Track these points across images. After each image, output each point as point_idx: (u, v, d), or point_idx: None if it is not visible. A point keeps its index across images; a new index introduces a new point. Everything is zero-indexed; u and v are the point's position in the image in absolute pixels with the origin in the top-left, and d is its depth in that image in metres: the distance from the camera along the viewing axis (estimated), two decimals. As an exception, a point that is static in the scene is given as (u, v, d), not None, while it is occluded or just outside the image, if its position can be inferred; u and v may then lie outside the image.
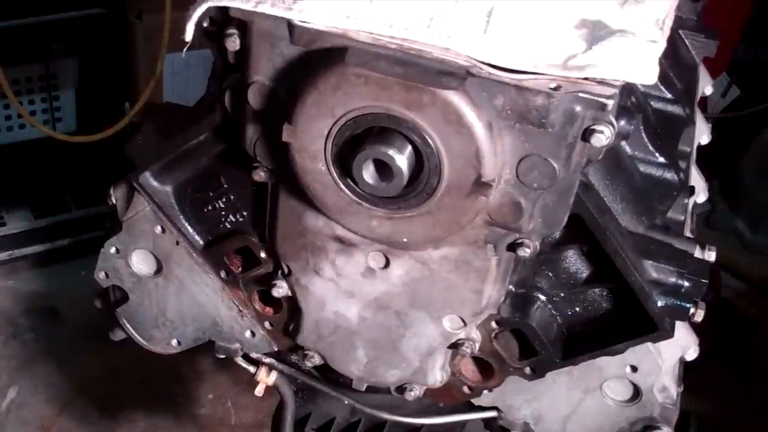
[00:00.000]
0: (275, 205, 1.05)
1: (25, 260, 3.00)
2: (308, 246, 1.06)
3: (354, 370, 1.18)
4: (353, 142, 0.88)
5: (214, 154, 1.10)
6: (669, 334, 1.04)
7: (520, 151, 0.86)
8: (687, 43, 1.42)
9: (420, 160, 0.87)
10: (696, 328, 1.11)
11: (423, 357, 1.13)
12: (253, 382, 1.32)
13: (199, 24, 0.92)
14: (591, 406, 1.16)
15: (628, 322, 1.07)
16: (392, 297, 1.07)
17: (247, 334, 1.24)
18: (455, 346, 1.11)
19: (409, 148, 0.87)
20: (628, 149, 1.11)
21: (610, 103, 0.82)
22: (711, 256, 1.10)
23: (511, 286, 1.06)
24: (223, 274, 1.18)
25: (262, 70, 0.91)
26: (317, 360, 1.20)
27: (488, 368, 1.17)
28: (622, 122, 0.89)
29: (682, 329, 1.09)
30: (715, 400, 2.57)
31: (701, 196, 1.43)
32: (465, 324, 1.07)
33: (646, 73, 0.82)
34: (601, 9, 0.88)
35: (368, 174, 0.89)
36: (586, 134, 0.83)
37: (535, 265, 1.07)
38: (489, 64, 0.83)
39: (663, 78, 1.23)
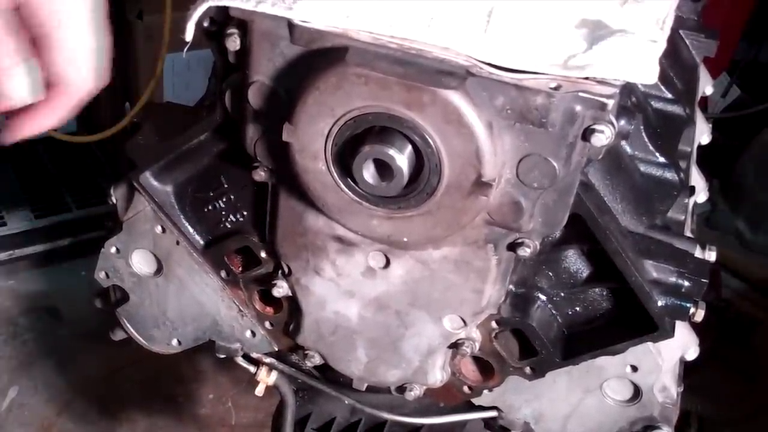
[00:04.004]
0: (275, 205, 1.05)
1: (25, 260, 3.00)
2: (308, 246, 1.06)
3: (354, 369, 1.18)
4: (353, 142, 0.88)
5: (215, 153, 1.10)
6: (669, 333, 1.04)
7: (521, 151, 0.86)
8: (687, 43, 1.42)
9: (420, 160, 0.87)
10: (696, 328, 1.11)
11: (423, 357, 1.13)
12: (253, 382, 1.32)
13: (199, 24, 0.92)
14: (591, 405, 1.16)
15: (629, 322, 1.07)
16: (392, 297, 1.07)
17: (248, 333, 1.24)
18: (455, 346, 1.11)
19: (410, 147, 0.87)
20: (628, 149, 1.11)
21: (611, 102, 0.82)
22: (711, 255, 1.11)
23: (511, 286, 1.06)
24: (223, 273, 1.18)
25: (263, 70, 0.91)
26: (317, 360, 1.20)
27: (488, 368, 1.17)
28: (623, 122, 0.89)
29: (682, 329, 1.09)
30: (715, 400, 2.57)
31: (701, 196, 1.43)
32: (465, 324, 1.07)
33: (646, 72, 0.82)
34: (601, 8, 0.88)
35: (368, 173, 0.89)
36: (587, 134, 0.84)
37: (536, 265, 1.07)
38: (489, 64, 0.83)
39: (663, 78, 1.23)
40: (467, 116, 0.83)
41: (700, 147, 1.46)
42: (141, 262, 1.23)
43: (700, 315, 1.03)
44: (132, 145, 1.16)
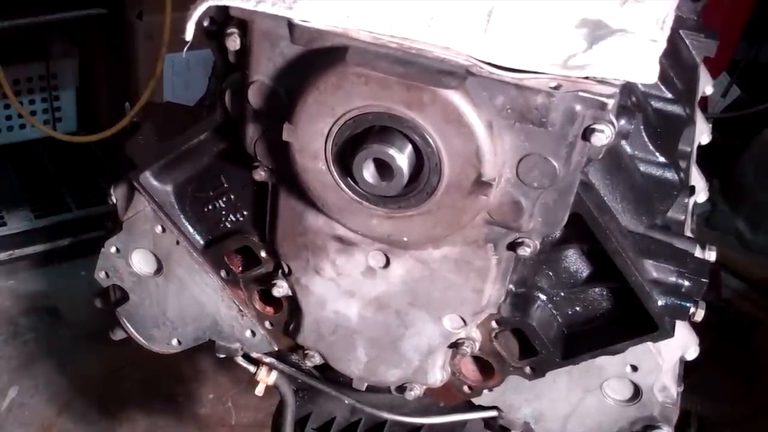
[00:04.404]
0: (275, 204, 1.05)
1: (25, 260, 3.00)
2: (308, 245, 1.06)
3: (354, 369, 1.18)
4: (353, 142, 0.88)
5: (215, 153, 1.10)
6: (669, 333, 1.04)
7: (521, 150, 0.86)
8: (687, 43, 1.42)
9: (420, 160, 0.87)
10: (696, 327, 1.11)
11: (423, 356, 1.13)
12: (253, 382, 1.32)
13: (199, 23, 0.92)
14: (591, 405, 1.16)
15: (629, 322, 1.07)
16: (392, 296, 1.07)
17: (248, 333, 1.24)
18: (455, 346, 1.11)
19: (410, 147, 0.87)
20: (628, 149, 1.11)
21: (611, 102, 0.82)
22: (711, 255, 1.11)
23: (511, 286, 1.06)
24: (223, 273, 1.18)
25: (263, 70, 0.91)
26: (317, 359, 1.20)
27: (488, 368, 1.17)
28: (623, 121, 0.89)
29: (682, 329, 1.09)
30: (715, 400, 2.57)
31: (701, 195, 1.43)
32: (465, 323, 1.07)
33: (646, 72, 0.82)
34: (601, 8, 0.88)
35: (368, 173, 0.89)
36: (587, 133, 0.84)
37: (536, 265, 1.07)
38: (489, 63, 0.83)
39: (663, 78, 1.23)
40: (467, 116, 0.83)
41: (700, 147, 1.46)
42: (141, 262, 1.23)
43: (700, 315, 1.03)
44: (132, 145, 1.16)
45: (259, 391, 1.33)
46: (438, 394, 1.24)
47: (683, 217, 1.20)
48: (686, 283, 1.03)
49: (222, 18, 0.92)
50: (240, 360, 1.30)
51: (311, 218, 1.03)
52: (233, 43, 0.92)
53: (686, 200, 1.21)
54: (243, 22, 0.90)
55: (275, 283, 1.12)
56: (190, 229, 1.17)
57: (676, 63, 1.35)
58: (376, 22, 0.86)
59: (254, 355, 1.30)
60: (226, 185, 1.12)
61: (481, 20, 0.86)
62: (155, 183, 1.13)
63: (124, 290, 1.26)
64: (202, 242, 1.17)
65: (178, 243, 1.18)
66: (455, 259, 1.00)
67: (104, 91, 3.14)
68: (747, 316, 2.99)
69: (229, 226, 1.15)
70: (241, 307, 1.22)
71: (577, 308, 1.11)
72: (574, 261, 1.08)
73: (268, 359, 1.31)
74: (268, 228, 1.09)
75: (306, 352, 1.20)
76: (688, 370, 1.19)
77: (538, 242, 0.96)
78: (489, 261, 0.99)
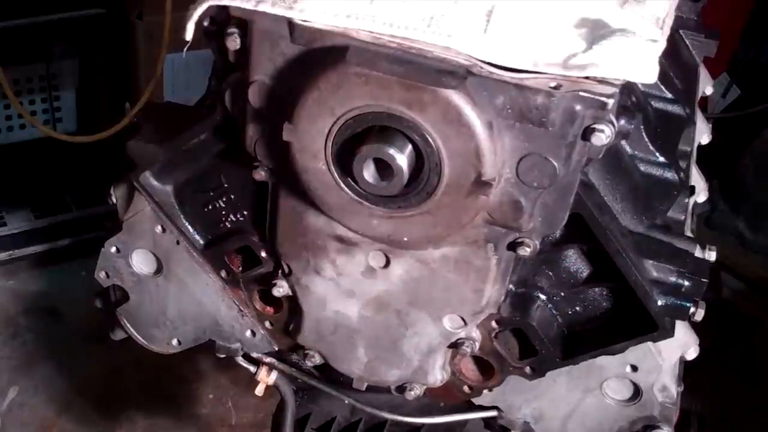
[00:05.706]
0: (276, 204, 1.05)
1: (25, 260, 3.00)
2: (309, 245, 1.06)
3: (354, 369, 1.18)
4: (354, 141, 0.88)
5: (215, 153, 1.10)
6: (669, 333, 1.04)
7: (521, 150, 0.86)
8: (687, 43, 1.42)
9: (420, 159, 0.87)
10: (696, 327, 1.11)
11: (423, 356, 1.13)
12: (253, 382, 1.32)
13: (199, 23, 0.92)
14: (591, 405, 1.16)
15: (629, 322, 1.07)
16: (393, 296, 1.07)
17: (248, 333, 1.24)
18: (455, 346, 1.11)
19: (410, 147, 0.87)
20: (628, 148, 1.11)
21: (611, 102, 0.82)
22: (711, 255, 1.11)
23: (511, 286, 1.06)
24: (223, 273, 1.18)
25: (263, 69, 0.91)
26: (318, 359, 1.20)
27: (488, 368, 1.17)
28: (623, 121, 0.89)
29: (682, 329, 1.09)
30: (715, 400, 2.57)
31: (701, 195, 1.43)
32: (465, 323, 1.07)
33: (646, 72, 0.82)
34: (601, 8, 0.88)
35: (368, 173, 0.89)
36: (587, 133, 0.84)
37: (536, 265, 1.07)
38: (489, 63, 0.83)
39: (663, 78, 1.23)
40: (467, 115, 0.83)
41: (700, 147, 1.46)
42: (141, 262, 1.23)
43: (699, 315, 1.03)
44: (132, 145, 1.16)
45: (259, 391, 1.33)
46: (438, 394, 1.24)
47: (683, 217, 1.20)
48: (686, 283, 1.03)
49: (222, 18, 0.92)
50: (240, 360, 1.30)
51: (311, 218, 1.03)
52: (233, 42, 0.92)
53: (686, 200, 1.21)
54: (243, 22, 0.90)
55: (275, 283, 1.12)
56: (190, 229, 1.17)
57: (676, 63, 1.35)
58: (376, 22, 0.86)
59: (254, 355, 1.30)
60: (226, 185, 1.12)
61: (481, 20, 0.86)
62: (155, 183, 1.13)
63: (124, 290, 1.26)
64: (202, 242, 1.17)
65: (178, 243, 1.18)
66: (455, 259, 1.00)
67: (104, 91, 3.13)
68: (747, 316, 2.99)
69: (229, 226, 1.15)
70: (241, 307, 1.22)
71: (577, 308, 1.11)
72: (574, 261, 1.08)
73: (268, 359, 1.31)
74: (269, 228, 1.09)
75: (306, 352, 1.20)
76: (688, 370, 1.19)
77: (538, 242, 0.96)
78: (489, 261, 0.99)
